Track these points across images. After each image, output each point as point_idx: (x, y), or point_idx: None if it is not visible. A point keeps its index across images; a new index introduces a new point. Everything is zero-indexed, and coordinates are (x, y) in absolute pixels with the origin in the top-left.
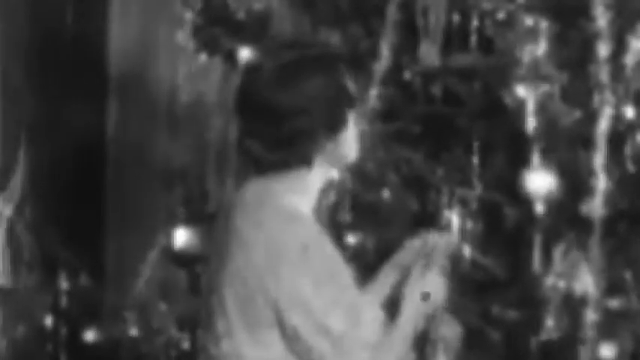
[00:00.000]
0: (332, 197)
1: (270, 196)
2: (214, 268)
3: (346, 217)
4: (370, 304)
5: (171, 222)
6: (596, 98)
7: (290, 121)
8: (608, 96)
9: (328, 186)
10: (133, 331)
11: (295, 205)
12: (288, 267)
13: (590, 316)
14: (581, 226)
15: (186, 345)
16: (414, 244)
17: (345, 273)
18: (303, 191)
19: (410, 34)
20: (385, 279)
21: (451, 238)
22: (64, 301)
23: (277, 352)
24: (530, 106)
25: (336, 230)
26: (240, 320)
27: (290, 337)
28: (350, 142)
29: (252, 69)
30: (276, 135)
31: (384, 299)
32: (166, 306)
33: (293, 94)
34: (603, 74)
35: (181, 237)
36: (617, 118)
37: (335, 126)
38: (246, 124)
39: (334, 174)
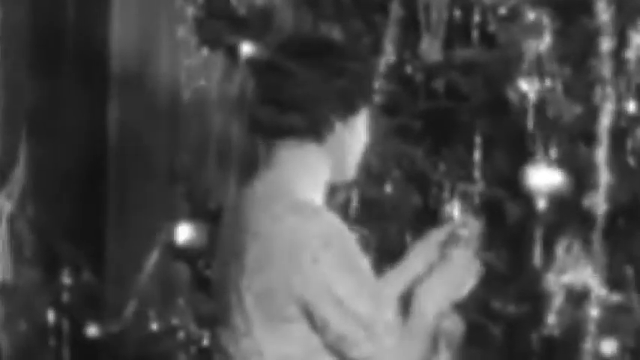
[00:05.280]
0: (342, 195)
1: (282, 189)
2: (226, 265)
3: (352, 212)
4: (388, 287)
5: (174, 217)
6: (598, 93)
7: (305, 86)
8: (610, 91)
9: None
10: (154, 326)
11: (308, 197)
12: (312, 261)
13: (592, 311)
14: (583, 221)
15: (205, 342)
16: (438, 236)
17: (364, 260)
18: (314, 185)
19: (412, 29)
20: (408, 267)
21: (475, 225)
22: (66, 297)
23: (298, 348)
24: (533, 101)
25: None
26: (259, 316)
27: (321, 329)
28: (361, 133)
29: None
30: (292, 98)
31: (404, 288)
32: (184, 302)
33: (313, 65)
34: (605, 69)
35: (184, 232)
36: (619, 113)
37: (348, 106)
38: (262, 89)
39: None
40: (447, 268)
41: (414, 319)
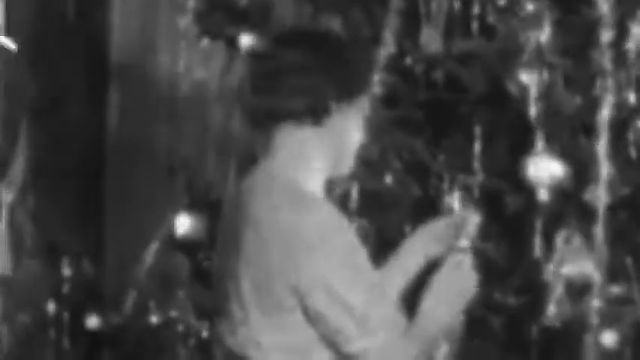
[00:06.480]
0: (341, 186)
1: (281, 179)
2: (225, 255)
3: (351, 203)
4: (387, 280)
5: (173, 209)
6: (598, 85)
7: (303, 72)
8: (611, 82)
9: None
10: (153, 318)
11: (307, 186)
12: (308, 252)
13: (592, 303)
14: (584, 212)
15: (205, 334)
16: (437, 228)
17: (362, 252)
18: (312, 174)
19: (412, 20)
20: (407, 260)
21: (475, 217)
22: (66, 288)
23: (296, 338)
24: (533, 93)
25: None
26: (257, 306)
27: (314, 321)
28: (358, 123)
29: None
30: (289, 83)
31: (405, 284)
32: (183, 294)
33: (311, 51)
34: (605, 60)
35: (183, 224)
36: (620, 104)
37: (346, 89)
38: (260, 77)
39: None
40: (451, 278)
41: (417, 325)
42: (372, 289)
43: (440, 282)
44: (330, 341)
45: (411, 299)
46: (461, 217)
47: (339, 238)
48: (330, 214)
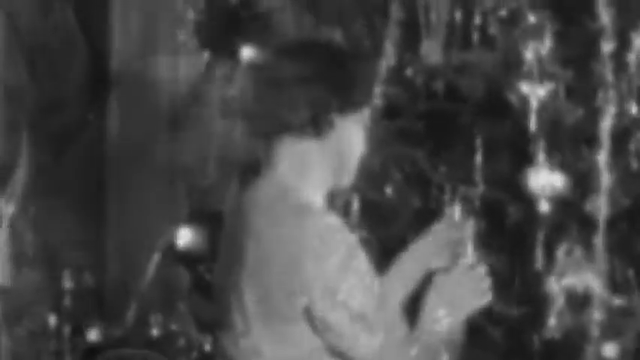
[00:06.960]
0: (342, 197)
1: (283, 191)
2: (227, 267)
3: (352, 215)
4: (388, 286)
5: (175, 221)
6: (599, 96)
7: (305, 84)
8: (612, 93)
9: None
10: (155, 331)
11: (309, 197)
12: (310, 260)
13: (594, 314)
14: (585, 223)
15: (207, 347)
16: (439, 236)
17: (363, 257)
18: (314, 185)
19: (412, 31)
20: (407, 268)
21: (469, 225)
22: (67, 301)
23: (299, 348)
24: (534, 104)
25: None
26: (259, 317)
27: (320, 329)
28: (359, 134)
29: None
30: (291, 94)
31: (406, 292)
32: (185, 307)
33: (312, 63)
34: (607, 72)
35: (185, 236)
36: (621, 115)
37: (348, 102)
38: (262, 88)
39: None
40: (460, 281)
41: (418, 326)
42: (374, 294)
43: (448, 284)
44: (337, 350)
45: (412, 308)
46: (458, 226)
47: (341, 244)
48: (331, 221)
